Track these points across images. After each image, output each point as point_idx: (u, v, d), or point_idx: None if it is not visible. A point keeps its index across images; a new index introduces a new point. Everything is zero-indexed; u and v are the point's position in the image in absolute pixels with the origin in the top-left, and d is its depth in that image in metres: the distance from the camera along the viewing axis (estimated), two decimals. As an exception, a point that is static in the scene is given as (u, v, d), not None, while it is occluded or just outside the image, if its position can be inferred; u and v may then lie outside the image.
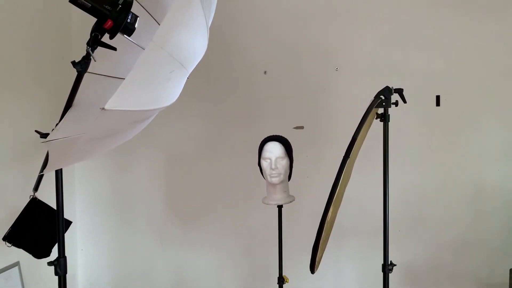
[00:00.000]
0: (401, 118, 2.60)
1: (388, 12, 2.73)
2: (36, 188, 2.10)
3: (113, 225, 3.21)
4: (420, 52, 2.71)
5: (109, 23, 1.34)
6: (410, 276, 2.78)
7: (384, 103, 1.73)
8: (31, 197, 2.14)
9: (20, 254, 2.61)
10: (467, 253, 2.72)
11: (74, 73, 3.08)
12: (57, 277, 2.50)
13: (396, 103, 1.78)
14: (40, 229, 2.18)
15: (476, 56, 2.64)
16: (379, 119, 1.79)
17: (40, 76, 2.81)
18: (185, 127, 3.01)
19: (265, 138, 2.04)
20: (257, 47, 2.90)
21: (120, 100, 1.03)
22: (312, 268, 1.61)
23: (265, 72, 2.90)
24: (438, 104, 2.69)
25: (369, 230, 2.78)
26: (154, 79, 1.13)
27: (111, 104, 1.00)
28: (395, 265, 1.81)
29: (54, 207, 2.17)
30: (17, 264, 2.68)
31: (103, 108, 0.99)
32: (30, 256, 2.23)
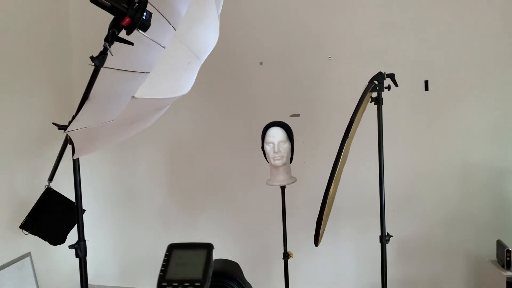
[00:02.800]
0: (392, 102, 2.71)
1: (379, 2, 2.84)
2: (51, 178, 2.21)
3: (118, 215, 3.31)
4: (409, 39, 2.81)
5: (126, 20, 1.45)
6: (404, 251, 2.91)
7: (377, 87, 1.86)
8: (46, 187, 2.25)
9: (31, 245, 2.73)
10: (457, 228, 2.85)
11: (72, 70, 3.18)
12: (65, 265, 2.62)
13: (388, 87, 1.91)
14: (55, 217, 2.30)
15: (462, 42, 2.75)
16: (373, 103, 1.92)
17: (43, 74, 2.90)
18: (185, 118, 3.11)
19: (267, 124, 2.17)
20: (252, 39, 3.00)
21: (148, 89, 1.15)
22: (316, 240, 1.75)
23: (261, 63, 3.01)
24: (426, 88, 2.81)
25: (364, 209, 2.90)
26: (175, 70, 1.26)
27: (141, 93, 1.13)
28: (391, 236, 1.95)
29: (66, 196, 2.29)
30: (28, 254, 2.78)
31: (134, 97, 1.11)
32: (40, 246, 2.33)
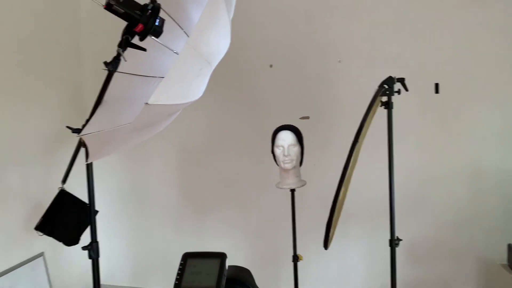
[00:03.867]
0: (402, 106, 2.71)
1: (388, 4, 2.83)
2: (64, 181, 2.25)
3: (129, 216, 3.34)
4: (419, 41, 2.80)
5: (139, 27, 1.48)
6: (413, 254, 2.91)
7: (387, 92, 1.87)
8: (60, 189, 2.29)
9: (44, 245, 2.77)
10: (467, 231, 2.83)
11: (83, 73, 3.23)
12: (78, 266, 2.66)
13: (398, 91, 1.92)
14: (69, 218, 2.32)
15: (473, 44, 2.74)
16: (383, 107, 1.93)
17: (56, 77, 2.95)
18: (196, 120, 3.14)
19: (277, 127, 2.19)
20: (262, 42, 3.02)
21: (161, 95, 1.18)
22: (326, 244, 1.76)
23: (271, 66, 3.02)
24: (437, 91, 2.80)
25: (373, 213, 2.91)
26: (187, 76, 1.28)
27: (154, 99, 1.15)
28: (401, 239, 1.95)
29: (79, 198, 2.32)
30: (41, 254, 2.83)
31: (147, 103, 1.13)
32: (54, 247, 2.37)
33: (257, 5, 3.01)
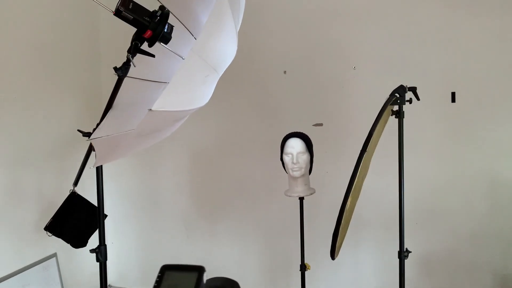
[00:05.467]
0: (418, 114, 2.68)
1: (404, 11, 2.80)
2: (76, 183, 2.28)
3: (140, 219, 3.37)
4: (435, 49, 2.76)
5: (148, 33, 1.49)
6: (427, 267, 2.85)
7: (398, 101, 1.84)
8: (71, 191, 2.32)
9: (57, 246, 2.81)
10: (483, 244, 2.76)
11: (101, 79, 3.29)
12: (89, 267, 2.69)
13: (410, 101, 1.89)
14: (78, 221, 2.36)
15: (491, 53, 2.68)
16: (394, 116, 1.90)
17: (71, 81, 3.00)
18: (208, 125, 3.15)
19: (287, 135, 2.18)
20: (277, 48, 3.02)
21: (165, 102, 1.18)
22: (333, 254, 1.74)
23: (284, 72, 3.02)
24: (453, 100, 2.76)
25: (387, 223, 2.86)
26: (192, 83, 1.28)
27: (157, 105, 1.15)
28: (410, 252, 1.92)
29: (90, 201, 2.36)
30: (54, 255, 2.87)
31: (151, 109, 1.14)
32: (66, 248, 2.39)
33: (272, 11, 3.01)
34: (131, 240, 3.41)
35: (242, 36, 2.94)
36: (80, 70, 3.09)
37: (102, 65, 3.30)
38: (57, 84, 2.85)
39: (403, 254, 1.88)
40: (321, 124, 2.94)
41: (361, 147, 1.68)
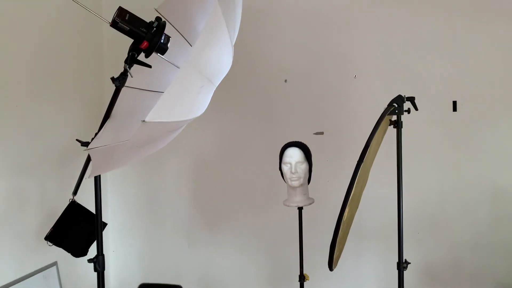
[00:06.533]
0: (419, 123, 2.67)
1: (405, 20, 2.81)
2: (75, 192, 2.28)
3: (142, 227, 3.36)
4: (436, 58, 2.76)
5: (145, 44, 1.50)
6: (430, 276, 2.83)
7: (396, 111, 1.84)
8: (71, 200, 2.32)
9: (57, 255, 2.81)
10: (486, 254, 2.75)
11: (104, 88, 3.31)
12: (90, 276, 2.68)
13: (408, 111, 1.88)
14: (78, 230, 2.35)
15: (492, 62, 2.68)
16: (392, 126, 1.89)
17: (75, 90, 3.01)
18: (210, 134, 3.15)
19: (285, 144, 2.17)
20: (277, 57, 3.02)
21: (158, 113, 1.18)
22: (330, 265, 1.73)
23: (285, 81, 3.02)
24: (455, 109, 2.75)
25: (388, 232, 2.83)
26: (187, 93, 1.29)
27: (151, 117, 1.15)
28: (409, 263, 1.90)
29: (90, 210, 2.35)
30: (55, 263, 2.87)
31: (144, 121, 1.14)
32: (67, 256, 2.39)
33: (273, 21, 3.02)
34: (133, 249, 3.40)
35: (244, 45, 2.97)
36: (83, 78, 3.11)
37: (105, 73, 3.31)
38: (60, 92, 2.86)
39: (402, 266, 1.86)
40: (322, 133, 2.93)
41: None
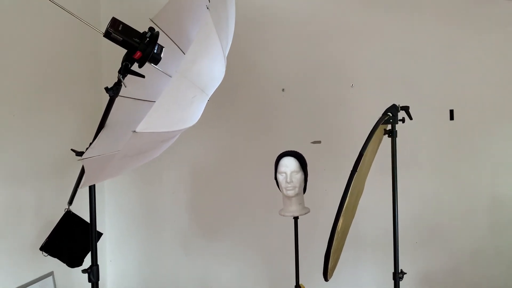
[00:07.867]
0: (416, 132, 2.68)
1: (402, 29, 2.83)
2: (70, 202, 2.27)
3: (140, 237, 3.35)
4: (433, 67, 2.78)
5: (138, 54, 1.50)
6: (428, 285, 2.82)
7: (391, 120, 1.83)
8: (66, 210, 2.32)
9: (53, 265, 2.79)
10: (484, 263, 2.74)
11: (102, 97, 3.31)
12: (86, 286, 2.65)
13: (403, 120, 1.88)
14: (74, 240, 2.34)
15: (489, 70, 2.70)
16: (387, 135, 1.89)
17: (72, 99, 3.02)
18: (207, 143, 3.15)
19: (280, 154, 2.17)
20: (275, 66, 3.03)
21: (149, 123, 1.18)
22: (325, 275, 1.71)
23: (283, 90, 3.03)
24: (452, 118, 2.75)
25: (386, 242, 2.82)
26: (179, 104, 1.29)
27: (142, 127, 1.15)
28: (405, 273, 1.89)
29: (86, 219, 2.34)
30: (51, 274, 2.85)
31: (135, 131, 1.14)
32: (63, 266, 2.38)
33: (270, 30, 3.03)
34: (130, 258, 3.38)
35: (241, 54, 3.00)
36: (81, 88, 3.11)
37: (103, 83, 3.32)
38: (57, 102, 2.86)
39: (397, 276, 1.84)
40: (319, 142, 2.93)
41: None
